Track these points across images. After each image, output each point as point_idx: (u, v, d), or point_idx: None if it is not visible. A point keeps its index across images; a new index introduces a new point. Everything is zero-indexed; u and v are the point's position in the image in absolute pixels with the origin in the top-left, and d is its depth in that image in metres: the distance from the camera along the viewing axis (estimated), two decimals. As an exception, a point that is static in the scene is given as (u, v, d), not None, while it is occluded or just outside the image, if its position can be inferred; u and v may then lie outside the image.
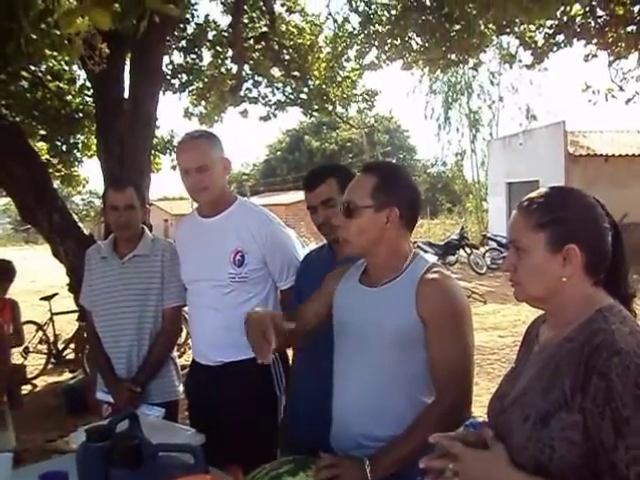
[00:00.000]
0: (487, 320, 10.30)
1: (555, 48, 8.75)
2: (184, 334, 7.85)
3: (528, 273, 1.55)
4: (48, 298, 8.61)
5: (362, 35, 9.17)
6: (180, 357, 3.29)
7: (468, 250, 17.59)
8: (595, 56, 8.89)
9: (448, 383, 1.89)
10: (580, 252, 1.49)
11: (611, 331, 1.41)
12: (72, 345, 8.40)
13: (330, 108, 10.92)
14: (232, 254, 2.75)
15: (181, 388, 3.21)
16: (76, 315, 8.06)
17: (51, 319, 8.67)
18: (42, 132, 9.30)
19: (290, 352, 2.84)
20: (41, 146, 9.51)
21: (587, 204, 1.55)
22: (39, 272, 17.51)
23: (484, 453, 1.49)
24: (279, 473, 1.79)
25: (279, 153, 44.03)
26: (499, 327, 9.52)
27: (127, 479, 1.70)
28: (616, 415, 1.33)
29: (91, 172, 20.16)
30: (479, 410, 2.10)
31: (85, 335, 6.37)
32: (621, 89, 9.37)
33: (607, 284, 1.56)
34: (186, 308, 3.14)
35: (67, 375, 8.07)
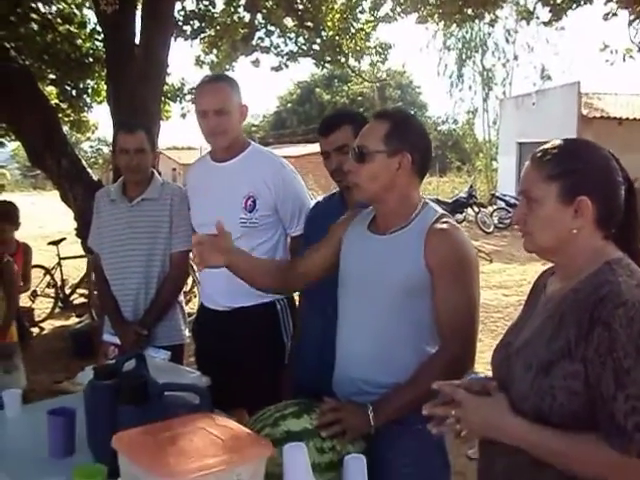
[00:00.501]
0: (492, 279, 10.33)
1: (574, 5, 8.59)
2: (190, 281, 7.93)
3: (538, 224, 1.54)
4: (56, 243, 8.66)
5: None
6: (186, 304, 3.33)
7: (476, 209, 17.57)
8: (615, 15, 8.74)
9: (453, 332, 1.90)
10: (592, 204, 1.49)
11: (617, 283, 1.41)
12: (79, 290, 8.49)
13: (342, 60, 10.77)
14: (244, 199, 2.75)
15: (187, 332, 3.24)
16: (83, 260, 8.14)
17: (59, 263, 8.74)
18: (52, 76, 9.23)
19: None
20: (50, 90, 9.44)
21: (601, 156, 1.54)
22: (47, 217, 17.59)
23: (486, 400, 1.51)
24: (283, 415, 1.82)
25: (289, 105, 43.70)
26: (504, 286, 9.55)
27: (133, 416, 1.71)
28: (617, 365, 1.34)
29: (100, 118, 20.03)
30: (482, 367, 2.12)
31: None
32: (640, 50, 9.23)
33: (618, 238, 1.55)
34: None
35: (74, 319, 8.18)
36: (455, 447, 2.23)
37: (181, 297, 3.28)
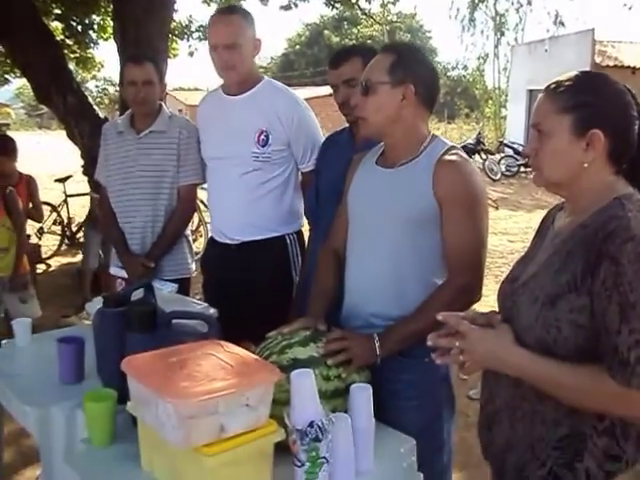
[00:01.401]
0: (498, 225, 10.32)
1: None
2: (196, 220, 7.94)
3: (549, 157, 1.52)
4: (62, 180, 8.65)
5: None
6: (193, 242, 3.35)
7: (484, 156, 17.44)
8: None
9: (460, 265, 1.90)
10: (604, 138, 1.47)
11: (627, 218, 1.39)
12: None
13: (353, 1, 10.56)
14: (257, 134, 2.72)
15: (194, 266, 3.26)
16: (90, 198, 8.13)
17: (65, 201, 8.74)
18: (57, 11, 9.07)
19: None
20: (56, 26, 9.30)
21: (616, 90, 1.51)
22: (53, 156, 17.53)
23: (490, 332, 1.52)
24: (290, 343, 1.83)
25: (298, 47, 43.12)
26: (509, 232, 9.55)
27: (142, 343, 1.72)
28: (623, 299, 1.34)
29: (106, 57, 19.75)
30: (486, 309, 2.11)
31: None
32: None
33: (629, 174, 1.54)
34: (203, 195, 3.15)
35: (80, 257, 8.21)
36: (456, 387, 2.25)
37: (188, 231, 3.28)
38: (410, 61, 2.01)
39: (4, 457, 2.85)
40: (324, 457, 1.53)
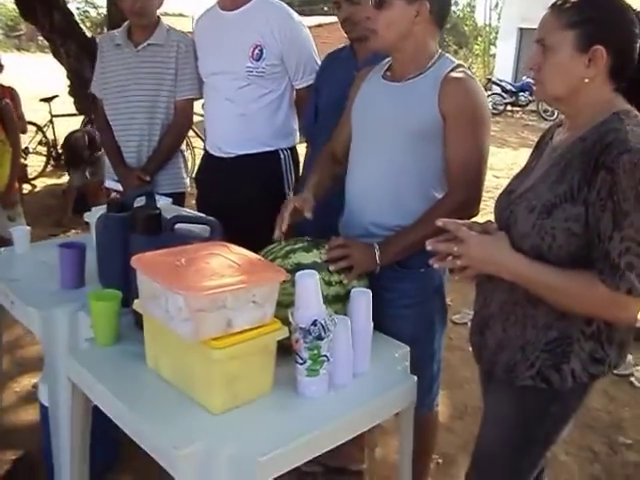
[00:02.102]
0: (483, 161, 10.34)
1: None
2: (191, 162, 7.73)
3: (552, 71, 1.56)
4: (48, 100, 8.49)
5: None
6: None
7: (471, 93, 17.28)
8: None
9: (461, 179, 1.95)
10: (606, 54, 1.50)
11: (625, 131, 1.44)
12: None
13: None
14: (251, 48, 2.74)
15: (188, 181, 3.29)
16: (75, 119, 8.03)
17: (51, 121, 8.61)
18: None
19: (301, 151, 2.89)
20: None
21: (621, 8, 1.54)
22: (36, 77, 17.15)
23: (487, 237, 1.58)
24: (293, 249, 1.87)
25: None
26: (495, 168, 9.56)
27: (147, 246, 1.74)
28: (617, 208, 1.40)
29: (89, -23, 19.19)
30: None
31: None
32: None
33: (627, 92, 1.58)
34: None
35: (66, 177, 8.16)
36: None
37: (183, 146, 3.29)
38: None
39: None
40: (325, 355, 1.60)
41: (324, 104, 2.60)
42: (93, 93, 3.26)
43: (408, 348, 1.91)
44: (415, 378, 1.80)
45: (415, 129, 1.98)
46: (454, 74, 1.98)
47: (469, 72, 2.03)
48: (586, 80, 1.53)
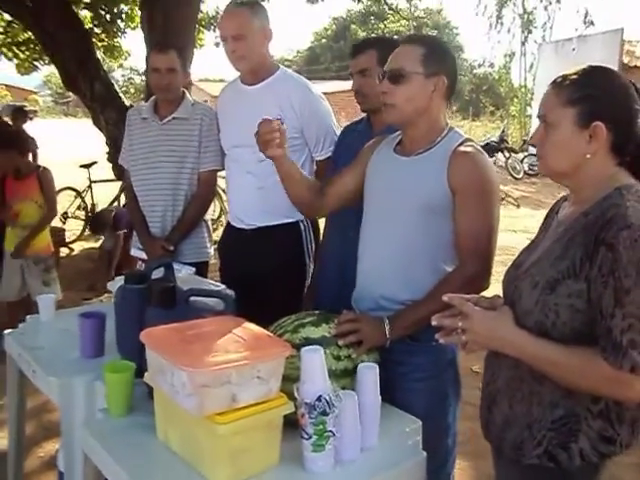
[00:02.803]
0: (518, 223, 10.30)
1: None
2: (217, 210, 8.02)
3: (554, 147, 1.58)
4: (87, 166, 8.79)
5: None
6: (213, 232, 3.37)
7: (507, 154, 17.33)
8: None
9: (471, 252, 1.96)
10: (607, 130, 1.52)
11: (625, 206, 1.45)
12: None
13: (379, -5, 10.59)
14: None
15: (212, 250, 3.35)
16: (114, 184, 8.26)
17: (89, 186, 8.88)
18: (86, 0, 9.21)
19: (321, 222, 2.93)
20: (85, 14, 9.44)
21: (620, 84, 1.57)
22: (79, 143, 17.70)
23: (492, 313, 1.58)
24: (303, 323, 1.89)
25: (324, 41, 43.11)
26: (529, 231, 9.48)
27: (161, 318, 1.78)
28: (618, 285, 1.40)
29: (133, 46, 19.90)
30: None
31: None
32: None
33: (631, 166, 1.59)
34: (223, 182, 3.19)
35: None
36: (466, 379, 2.30)
37: (207, 216, 3.36)
38: (442, 53, 2.08)
39: (26, 430, 2.95)
40: (331, 430, 1.60)
41: (342, 175, 2.64)
42: (121, 165, 3.38)
43: (420, 422, 1.89)
44: (424, 454, 1.79)
45: (425, 203, 2.01)
46: (463, 148, 2.02)
47: (477, 146, 2.06)
48: (588, 156, 1.55)
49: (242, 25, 2.78)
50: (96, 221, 7.32)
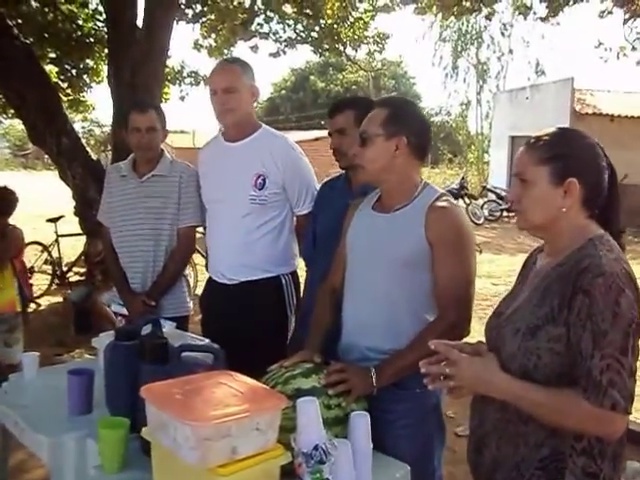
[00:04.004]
0: (482, 268, 10.46)
1: (571, 2, 8.73)
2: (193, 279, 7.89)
3: (531, 203, 1.71)
4: (54, 220, 8.73)
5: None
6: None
7: (467, 200, 17.69)
8: (610, 13, 8.89)
9: (450, 301, 2.06)
10: (579, 186, 1.65)
11: (598, 256, 1.58)
12: (75, 267, 8.59)
13: (341, 48, 10.86)
14: (254, 177, 2.87)
15: (191, 305, 3.39)
16: (80, 238, 8.22)
17: (56, 240, 8.81)
18: (52, 55, 9.29)
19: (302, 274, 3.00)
20: (51, 69, 9.49)
21: (588, 144, 1.71)
22: (40, 197, 17.57)
23: (477, 358, 1.69)
24: (294, 374, 1.96)
25: (283, 92, 43.59)
26: (493, 275, 9.72)
27: (156, 374, 1.82)
28: (595, 328, 1.52)
29: (96, 99, 19.97)
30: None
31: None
32: (634, 48, 9.40)
33: (600, 218, 1.73)
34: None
35: (70, 297, 8.27)
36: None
37: (187, 271, 3.41)
38: (402, 115, 2.20)
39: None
40: (327, 478, 1.66)
41: (321, 231, 2.74)
42: (100, 221, 3.42)
43: (408, 468, 1.96)
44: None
45: (404, 257, 2.11)
46: (439, 203, 2.14)
47: (452, 200, 2.19)
48: (563, 209, 1.68)
49: (233, 80, 2.89)
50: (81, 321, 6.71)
